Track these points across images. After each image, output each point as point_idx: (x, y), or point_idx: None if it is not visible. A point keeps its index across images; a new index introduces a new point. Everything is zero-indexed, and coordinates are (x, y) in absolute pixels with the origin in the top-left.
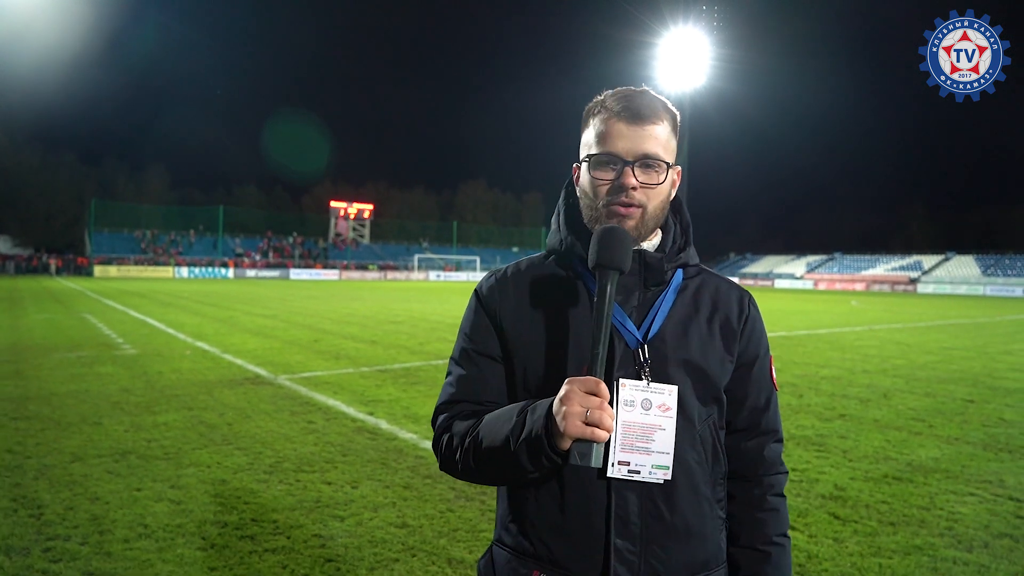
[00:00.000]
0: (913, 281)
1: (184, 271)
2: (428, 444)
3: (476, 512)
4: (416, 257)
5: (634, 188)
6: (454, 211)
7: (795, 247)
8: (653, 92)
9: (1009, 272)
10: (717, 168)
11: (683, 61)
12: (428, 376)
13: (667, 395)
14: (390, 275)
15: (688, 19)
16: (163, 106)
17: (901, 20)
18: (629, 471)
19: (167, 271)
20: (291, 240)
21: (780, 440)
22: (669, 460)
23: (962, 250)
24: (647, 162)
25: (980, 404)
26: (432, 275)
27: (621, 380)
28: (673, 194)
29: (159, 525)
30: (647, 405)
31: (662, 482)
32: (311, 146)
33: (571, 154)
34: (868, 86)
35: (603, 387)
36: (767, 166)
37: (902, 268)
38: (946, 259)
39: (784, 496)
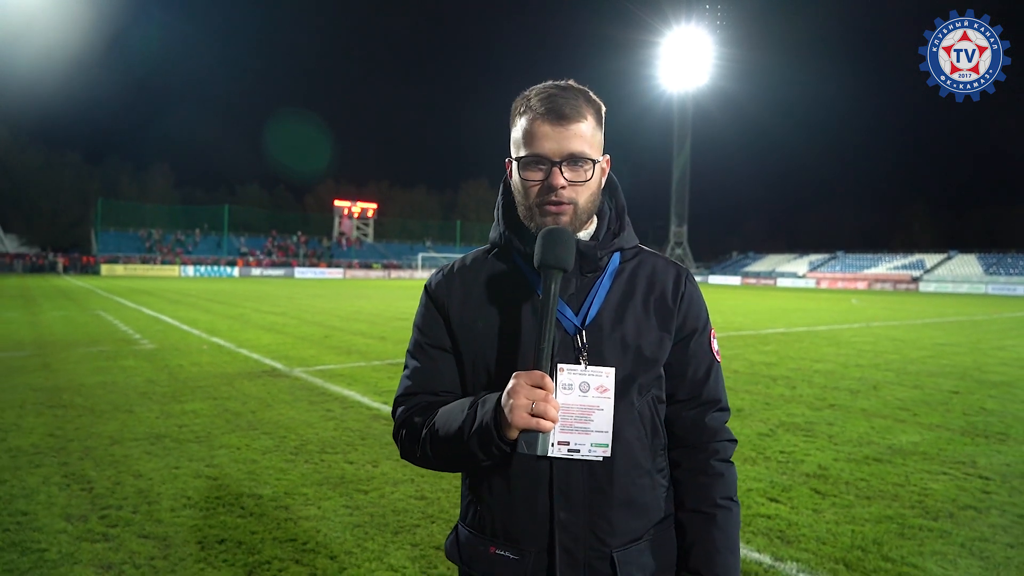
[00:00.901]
0: (915, 280)
1: (190, 270)
2: None
3: None
4: (420, 256)
5: (563, 187)
6: (456, 210)
7: (797, 246)
8: (577, 85)
9: (1011, 271)
10: (720, 167)
11: (686, 60)
12: None
13: (604, 377)
14: (394, 274)
15: (691, 18)
16: (166, 106)
17: (901, 20)
18: (569, 450)
19: (173, 270)
20: (295, 239)
21: (723, 409)
22: (607, 439)
23: (964, 249)
24: (573, 159)
25: (965, 395)
26: None
27: (559, 365)
28: (603, 183)
29: (200, 497)
30: (585, 388)
31: (601, 459)
32: (313, 146)
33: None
34: (869, 86)
35: (548, 380)
36: (769, 165)
37: (904, 267)
38: (948, 258)
39: (731, 463)
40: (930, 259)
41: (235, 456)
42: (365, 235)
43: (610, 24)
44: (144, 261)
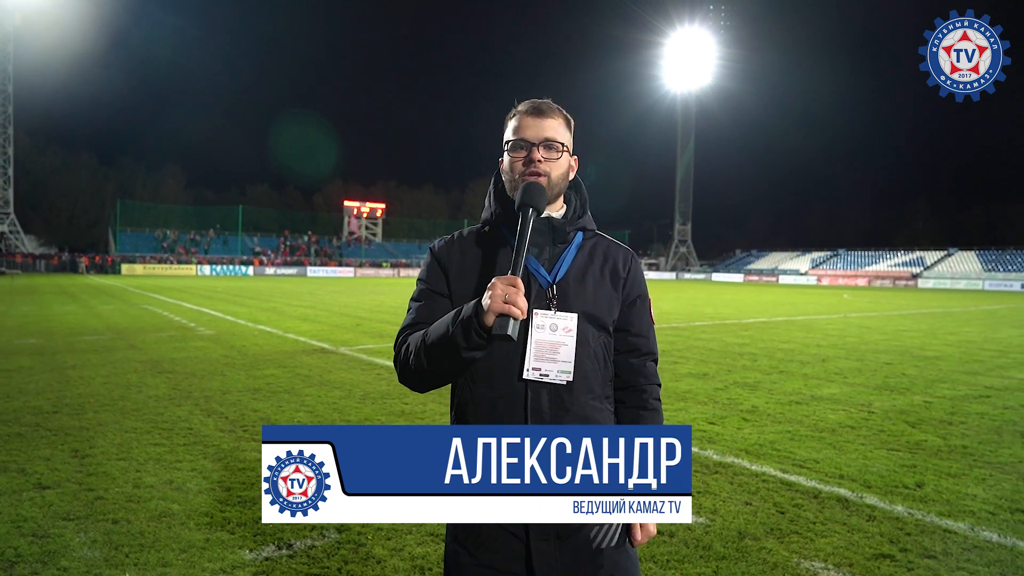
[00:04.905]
0: (915, 276)
1: (206, 269)
2: None
3: None
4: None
5: (540, 161)
6: (463, 209)
7: (800, 243)
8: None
9: (1009, 267)
10: (723, 166)
11: (689, 61)
12: None
13: (569, 320)
14: (403, 272)
15: (695, 19)
16: (176, 108)
17: (901, 20)
18: (540, 375)
19: (190, 269)
20: (306, 239)
21: (656, 360)
22: (570, 367)
23: (964, 246)
24: (548, 143)
25: (895, 365)
26: None
27: (535, 310)
28: (572, 175)
29: (307, 420)
30: (554, 328)
31: (565, 383)
32: (321, 146)
33: (577, 152)
34: (871, 85)
35: (519, 282)
36: (772, 164)
37: (904, 264)
38: (948, 255)
39: (660, 401)
40: (930, 256)
41: (320, 400)
42: (374, 234)
43: (615, 25)
44: (160, 261)
